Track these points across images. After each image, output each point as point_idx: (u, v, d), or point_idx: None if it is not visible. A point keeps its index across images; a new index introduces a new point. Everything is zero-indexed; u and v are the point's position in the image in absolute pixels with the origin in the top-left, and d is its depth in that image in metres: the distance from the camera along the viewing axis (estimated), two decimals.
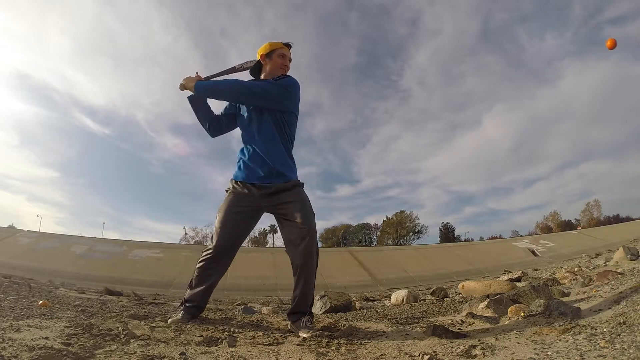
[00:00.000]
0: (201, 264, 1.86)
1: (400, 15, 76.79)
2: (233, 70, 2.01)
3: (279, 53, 1.95)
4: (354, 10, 77.39)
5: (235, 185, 1.91)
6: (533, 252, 11.70)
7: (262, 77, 1.99)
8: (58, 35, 67.14)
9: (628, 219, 33.61)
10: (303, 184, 1.93)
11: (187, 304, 1.86)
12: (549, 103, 75.88)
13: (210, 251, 1.84)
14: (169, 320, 1.78)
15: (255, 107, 1.89)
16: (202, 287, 1.85)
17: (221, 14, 76.08)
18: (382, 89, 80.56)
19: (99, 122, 74.50)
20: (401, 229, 56.64)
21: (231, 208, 1.86)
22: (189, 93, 1.96)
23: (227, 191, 1.96)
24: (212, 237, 1.88)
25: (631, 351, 0.96)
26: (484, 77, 79.19)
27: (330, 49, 79.12)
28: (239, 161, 1.95)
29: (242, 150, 1.95)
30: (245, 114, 1.93)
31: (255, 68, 2.01)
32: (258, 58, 1.98)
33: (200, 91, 1.89)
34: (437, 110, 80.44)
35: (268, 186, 1.82)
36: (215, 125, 2.05)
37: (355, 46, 78.77)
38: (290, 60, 1.99)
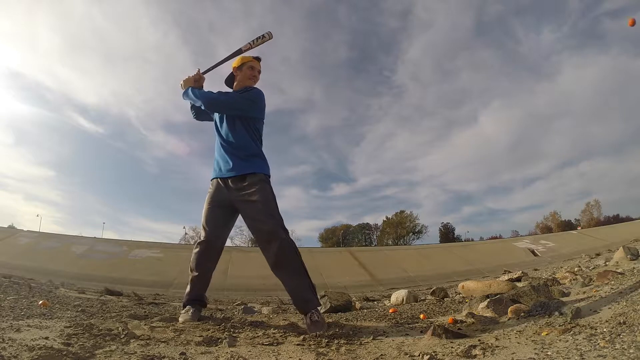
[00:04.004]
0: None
1: (391, 7, 73.46)
2: (239, 52, 2.22)
3: (248, 65, 2.20)
4: (342, 3, 74.10)
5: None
6: (533, 252, 11.69)
7: (234, 86, 2.23)
8: (48, 33, 65.09)
9: (628, 219, 33.53)
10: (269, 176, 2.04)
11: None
12: (548, 99, 73.43)
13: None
14: (182, 320, 1.86)
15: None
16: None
17: (208, 7, 73.73)
18: (376, 85, 77.72)
19: (91, 121, 73.84)
20: (401, 229, 56.54)
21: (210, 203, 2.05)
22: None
23: None
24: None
25: (631, 351, 0.96)
26: (480, 72, 76.27)
27: (320, 44, 76.15)
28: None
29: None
30: (218, 117, 2.17)
31: (229, 78, 2.26)
32: (232, 71, 2.23)
33: (186, 97, 2.17)
34: (433, 107, 77.69)
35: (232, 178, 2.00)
36: (203, 114, 2.32)
37: (346, 40, 75.17)
38: (259, 72, 2.23)
